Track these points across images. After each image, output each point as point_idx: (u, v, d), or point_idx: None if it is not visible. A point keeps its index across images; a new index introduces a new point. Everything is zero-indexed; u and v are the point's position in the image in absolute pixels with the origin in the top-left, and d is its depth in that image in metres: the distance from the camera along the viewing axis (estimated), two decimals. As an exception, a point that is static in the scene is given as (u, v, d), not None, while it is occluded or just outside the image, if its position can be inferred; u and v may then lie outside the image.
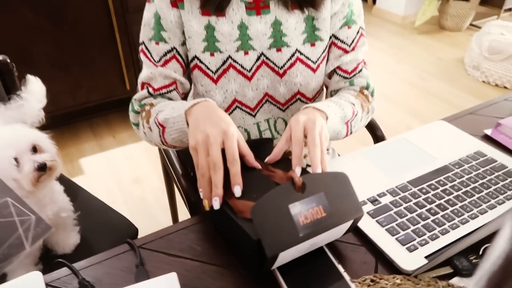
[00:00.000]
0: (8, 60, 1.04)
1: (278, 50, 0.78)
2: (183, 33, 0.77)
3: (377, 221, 0.62)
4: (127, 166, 2.02)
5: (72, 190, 1.10)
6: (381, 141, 0.88)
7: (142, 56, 0.79)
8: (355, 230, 0.61)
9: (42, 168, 0.77)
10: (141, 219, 1.55)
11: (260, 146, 0.67)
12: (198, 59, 0.78)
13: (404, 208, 0.64)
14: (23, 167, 0.75)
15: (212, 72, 0.79)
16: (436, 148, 0.78)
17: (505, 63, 2.63)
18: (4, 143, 0.76)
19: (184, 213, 1.61)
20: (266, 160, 0.64)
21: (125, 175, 1.96)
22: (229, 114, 0.83)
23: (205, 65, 0.78)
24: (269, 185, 0.57)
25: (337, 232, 0.55)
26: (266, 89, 0.82)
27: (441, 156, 0.76)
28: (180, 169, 0.95)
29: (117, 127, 2.27)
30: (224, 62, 0.78)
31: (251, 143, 0.62)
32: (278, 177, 0.59)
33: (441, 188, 0.68)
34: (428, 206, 0.64)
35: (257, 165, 0.60)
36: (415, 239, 0.59)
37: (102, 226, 1.06)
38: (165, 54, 0.77)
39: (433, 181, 0.69)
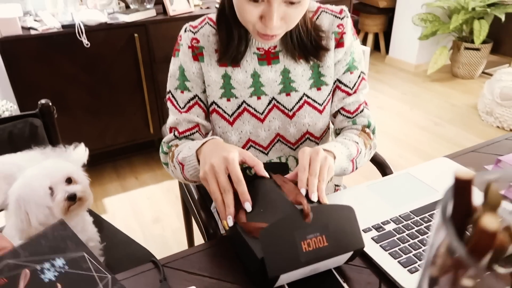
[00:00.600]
0: (50, 103, 1.16)
1: (288, 94, 0.88)
2: (204, 82, 0.88)
3: (381, 245, 0.67)
4: (148, 206, 2.09)
5: (99, 222, 1.18)
6: None
7: (169, 104, 0.92)
8: (360, 253, 0.66)
9: (72, 198, 0.85)
10: (160, 256, 1.59)
11: (276, 169, 0.74)
12: (216, 104, 0.89)
13: (407, 234, 0.69)
14: (56, 196, 0.84)
15: (228, 115, 0.89)
16: (438, 182, 0.83)
17: (518, 108, 2.67)
18: (43, 173, 0.85)
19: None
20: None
21: (146, 215, 2.03)
22: None
23: (222, 109, 0.89)
24: (279, 200, 0.63)
25: (338, 260, 0.60)
26: (278, 130, 0.91)
27: (443, 188, 0.81)
28: (199, 203, 1.02)
29: (139, 168, 2.38)
30: (239, 107, 0.88)
31: (268, 165, 0.70)
32: (288, 188, 0.65)
33: (442, 217, 0.72)
34: (429, 233, 0.69)
35: (266, 174, 0.68)
36: (416, 262, 0.63)
37: (125, 258, 1.12)
38: (189, 101, 0.89)
39: (434, 211, 0.74)
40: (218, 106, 0.89)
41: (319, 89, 0.90)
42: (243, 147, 0.92)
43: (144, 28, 2.08)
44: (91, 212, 1.19)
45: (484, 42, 3.36)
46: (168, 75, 0.91)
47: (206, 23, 0.87)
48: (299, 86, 0.88)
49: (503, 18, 3.22)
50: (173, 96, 0.90)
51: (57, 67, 1.96)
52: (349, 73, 0.91)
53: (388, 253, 0.65)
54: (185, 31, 0.88)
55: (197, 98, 0.89)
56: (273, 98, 0.89)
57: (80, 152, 1.05)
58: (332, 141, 0.86)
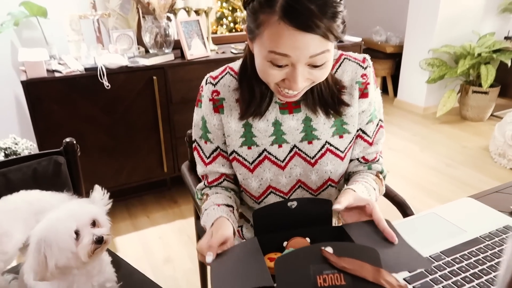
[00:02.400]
0: (74, 142, 1.19)
1: (309, 142, 0.89)
2: (224, 134, 0.91)
3: (414, 287, 0.65)
4: (160, 245, 2.07)
5: (116, 261, 1.17)
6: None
7: (195, 154, 0.96)
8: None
9: (100, 241, 0.84)
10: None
11: (318, 205, 0.75)
12: (236, 153, 0.91)
13: (440, 276, 0.68)
14: (82, 239, 0.82)
15: (249, 163, 0.91)
16: (465, 222, 0.83)
17: (531, 151, 2.67)
18: (69, 214, 0.85)
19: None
20: (334, 207, 0.74)
21: (157, 255, 2.00)
22: (264, 198, 0.94)
23: (243, 157, 0.91)
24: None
25: None
26: (299, 176, 0.92)
27: (471, 229, 0.80)
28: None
29: (151, 208, 2.37)
30: (260, 154, 0.90)
31: (310, 200, 0.72)
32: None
33: (474, 259, 0.71)
34: (463, 275, 0.68)
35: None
36: (453, 304, 0.62)
37: (142, 298, 1.09)
38: (213, 152, 0.93)
39: (465, 252, 0.73)
40: (238, 155, 0.91)
41: (341, 136, 0.91)
42: (263, 194, 0.94)
43: (162, 71, 2.16)
44: (109, 252, 1.18)
45: (491, 86, 3.42)
46: (193, 123, 0.95)
47: (227, 73, 0.89)
48: (321, 134, 0.89)
49: (509, 63, 3.30)
50: (199, 145, 0.94)
51: (78, 108, 2.02)
52: (371, 124, 0.93)
53: (421, 294, 0.64)
54: (206, 83, 0.90)
55: (219, 149, 0.92)
56: (295, 145, 0.90)
57: (100, 195, 1.05)
58: (357, 184, 0.87)
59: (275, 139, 0.89)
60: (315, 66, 0.73)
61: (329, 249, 0.58)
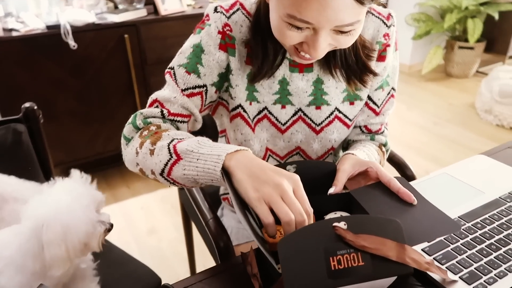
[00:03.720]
0: (35, 107, 1.04)
1: (318, 108, 0.78)
2: (219, 75, 0.74)
3: (435, 258, 0.57)
4: (142, 216, 1.97)
5: (93, 238, 1.06)
6: (412, 181, 0.86)
7: (168, 77, 0.75)
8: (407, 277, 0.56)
9: (109, 230, 0.76)
10: (158, 270, 1.49)
11: (321, 169, 0.67)
12: (242, 107, 0.77)
13: (462, 244, 0.59)
14: (95, 229, 0.72)
15: (251, 120, 0.78)
16: (481, 182, 0.74)
17: (518, 106, 2.63)
18: (89, 200, 0.73)
19: (201, 264, 1.54)
20: (330, 192, 0.64)
21: (141, 226, 1.91)
22: None
23: (247, 113, 0.77)
24: None
25: (376, 285, 0.49)
26: (299, 143, 0.81)
27: (488, 189, 0.72)
28: (210, 212, 0.91)
29: (131, 177, 2.25)
30: (259, 112, 0.77)
31: (312, 163, 0.62)
32: None
33: (497, 223, 0.63)
34: (488, 242, 0.59)
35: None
36: (481, 277, 0.53)
37: (123, 277, 1.00)
38: (194, 88, 0.73)
39: (486, 215, 0.65)
40: (244, 110, 0.77)
41: (352, 103, 0.80)
42: (264, 157, 0.82)
43: (134, 28, 1.97)
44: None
45: (477, 41, 3.33)
46: (178, 51, 0.76)
47: (238, 9, 0.73)
48: (331, 100, 0.78)
49: (496, 16, 3.20)
50: (174, 73, 0.74)
51: (43, 71, 1.83)
52: (381, 90, 0.82)
53: (446, 267, 0.55)
54: (216, 11, 0.73)
55: (204, 88, 0.73)
56: (300, 109, 0.78)
57: (79, 175, 0.92)
58: (360, 150, 0.77)
59: (278, 98, 0.76)
60: (342, 32, 0.60)
61: (342, 225, 0.48)
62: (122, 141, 0.72)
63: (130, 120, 0.72)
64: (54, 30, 1.79)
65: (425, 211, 0.56)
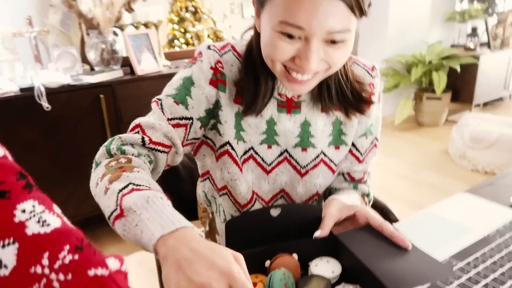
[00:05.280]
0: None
1: (304, 150, 0.77)
2: (206, 111, 0.72)
3: (431, 302, 0.53)
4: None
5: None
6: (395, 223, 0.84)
7: (154, 106, 0.70)
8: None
9: None
10: None
11: (306, 213, 0.63)
12: (230, 145, 0.74)
13: (458, 285, 0.56)
14: None
15: (239, 159, 0.75)
16: (468, 220, 0.73)
17: (490, 150, 2.71)
18: None
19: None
20: (315, 235, 0.61)
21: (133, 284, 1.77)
22: (251, 207, 0.79)
23: (235, 152, 0.75)
24: None
25: None
26: (283, 186, 0.79)
27: (476, 227, 0.70)
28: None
29: (105, 241, 2.13)
30: (245, 152, 0.76)
31: (296, 207, 0.59)
32: None
33: (490, 261, 0.61)
34: (483, 282, 0.56)
35: None
36: (482, 320, 0.50)
37: None
38: (181, 119, 0.69)
39: (477, 254, 0.62)
40: (232, 148, 0.74)
41: (337, 147, 0.79)
42: (250, 200, 0.78)
43: (110, 88, 1.97)
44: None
45: (444, 91, 3.51)
46: (167, 84, 0.73)
47: (229, 50, 0.73)
48: (318, 143, 0.77)
49: (458, 68, 3.41)
50: (161, 103, 0.70)
51: (15, 133, 1.78)
52: (364, 138, 0.82)
53: (444, 312, 0.51)
54: (209, 48, 0.72)
55: (190, 122, 0.70)
56: (286, 150, 0.77)
57: None
58: (343, 196, 0.76)
59: (265, 139, 0.75)
60: (333, 42, 0.59)
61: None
62: (93, 164, 0.67)
63: (106, 142, 0.67)
64: (27, 93, 1.77)
65: (417, 256, 0.54)
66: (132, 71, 2.13)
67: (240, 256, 0.47)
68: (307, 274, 0.58)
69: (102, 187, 0.57)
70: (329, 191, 0.86)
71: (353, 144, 0.82)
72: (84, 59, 2.13)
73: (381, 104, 0.82)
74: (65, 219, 0.39)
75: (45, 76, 1.85)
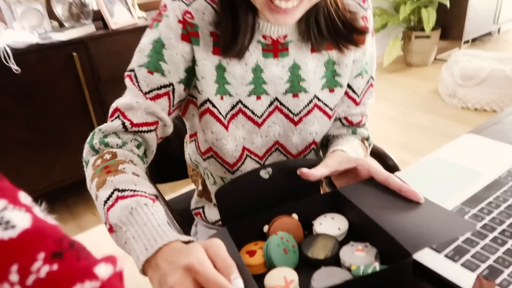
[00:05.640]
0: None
1: (295, 95, 0.70)
2: (186, 70, 0.66)
3: (446, 255, 0.49)
4: (112, 243, 1.82)
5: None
6: (396, 171, 0.80)
7: (128, 81, 0.65)
8: (424, 275, 0.48)
9: None
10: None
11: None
12: (211, 102, 0.67)
13: (472, 235, 0.52)
14: None
15: (223, 116, 0.69)
16: (476, 163, 0.68)
17: (480, 87, 2.67)
18: None
19: None
20: (300, 171, 0.56)
21: (111, 253, 1.76)
22: (241, 165, 0.73)
23: (218, 110, 0.68)
24: None
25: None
26: (277, 137, 0.73)
27: (486, 170, 0.66)
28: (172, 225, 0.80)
29: (94, 207, 2.09)
30: (233, 107, 0.69)
31: (289, 163, 0.56)
32: None
33: (504, 205, 0.57)
34: (499, 228, 0.53)
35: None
36: (503, 271, 0.46)
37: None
38: (159, 88, 0.64)
39: (490, 199, 0.58)
40: (213, 105, 0.68)
41: (332, 90, 0.73)
42: (240, 159, 0.72)
43: (83, 45, 1.83)
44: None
45: (433, 29, 3.40)
46: (136, 50, 0.66)
47: None
48: (310, 86, 0.70)
49: (448, 4, 3.27)
50: (135, 75, 0.65)
51: (-17, 100, 1.66)
52: (360, 77, 0.76)
53: (461, 265, 0.48)
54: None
55: (171, 87, 0.65)
56: (276, 98, 0.70)
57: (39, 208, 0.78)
58: (346, 145, 0.71)
59: (253, 89, 0.68)
60: None
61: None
62: (83, 163, 0.65)
63: (88, 139, 0.64)
64: (-8, 55, 1.63)
65: (431, 210, 0.48)
66: (105, 25, 1.98)
67: (212, 243, 0.44)
68: (311, 234, 0.54)
69: (93, 192, 0.56)
70: (326, 139, 0.81)
71: (349, 86, 0.76)
72: (52, 15, 1.97)
73: (374, 40, 0.76)
74: (36, 210, 0.28)
75: (10, 36, 1.70)
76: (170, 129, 0.70)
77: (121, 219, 0.49)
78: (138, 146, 0.64)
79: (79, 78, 1.85)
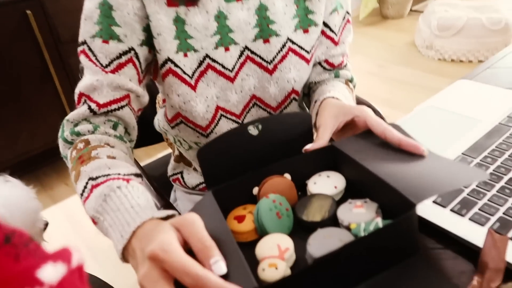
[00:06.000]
0: None
1: (266, 41, 0.62)
2: (144, 29, 0.58)
3: (452, 210, 0.45)
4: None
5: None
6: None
7: (83, 58, 0.58)
8: (430, 230, 0.44)
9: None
10: (115, 271, 1.31)
11: (292, 123, 0.51)
12: (172, 62, 0.59)
13: (478, 186, 0.48)
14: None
15: (189, 76, 0.61)
16: (474, 109, 0.64)
17: (457, 38, 2.64)
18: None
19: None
20: (306, 148, 0.50)
21: (87, 226, 1.69)
22: (215, 126, 0.66)
23: (181, 69, 0.60)
24: None
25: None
26: (253, 91, 0.66)
27: (484, 116, 0.62)
28: (158, 202, 0.74)
29: (68, 172, 1.99)
30: (200, 63, 0.61)
31: (280, 117, 0.49)
32: None
33: (508, 152, 0.53)
34: (506, 177, 0.49)
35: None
36: (515, 223, 0.42)
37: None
38: (119, 57, 0.57)
39: (493, 146, 0.54)
40: (176, 65, 0.59)
41: (306, 31, 0.65)
42: (213, 119, 0.65)
43: (38, 2, 1.66)
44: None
45: (409, -22, 3.31)
46: (82, 17, 0.58)
47: None
48: (281, 29, 0.63)
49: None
50: (89, 49, 0.57)
51: None
52: (336, 13, 0.68)
53: (469, 219, 0.44)
54: None
55: (132, 53, 0.57)
56: (246, 47, 0.62)
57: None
58: (336, 90, 0.65)
59: (219, 40, 0.60)
60: None
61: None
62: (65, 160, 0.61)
63: (59, 132, 0.59)
64: None
65: (437, 163, 0.43)
66: (61, -21, 1.79)
67: (186, 220, 0.37)
68: (305, 195, 0.49)
69: (73, 179, 0.52)
70: (308, 87, 0.75)
71: (325, 24, 0.69)
72: (-2, -32, 1.76)
73: None
74: None
75: (-49, -8, 1.51)
76: (145, 98, 0.62)
77: (96, 210, 0.45)
78: (114, 127, 0.59)
79: (36, 39, 1.69)
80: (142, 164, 0.97)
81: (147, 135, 1.05)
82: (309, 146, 0.51)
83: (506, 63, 0.79)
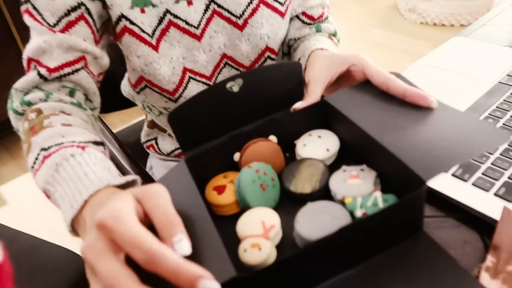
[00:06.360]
0: None
1: None
2: None
3: (454, 175, 0.41)
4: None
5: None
6: None
7: (27, 18, 0.50)
8: (430, 196, 0.41)
9: None
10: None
11: (279, 76, 0.45)
12: (127, 18, 0.52)
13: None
14: None
15: (149, 35, 0.53)
16: (471, 68, 0.60)
17: (440, 0, 2.59)
18: None
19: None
20: (294, 107, 0.45)
21: (47, 204, 1.62)
22: (184, 90, 0.59)
23: (139, 27, 0.52)
24: None
25: None
26: (223, 49, 0.59)
27: (483, 75, 0.58)
28: (133, 171, 0.69)
29: (19, 149, 1.89)
30: (161, 20, 0.53)
31: (265, 69, 0.43)
32: None
33: (511, 113, 0.49)
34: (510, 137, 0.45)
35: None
36: (522, 189, 0.39)
37: (35, 268, 0.77)
38: (68, 13, 0.49)
39: (494, 106, 0.50)
40: (131, 22, 0.52)
41: None
42: (181, 82, 0.58)
43: (-8, -47, 1.51)
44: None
45: None
46: None
47: None
48: None
49: None
50: (33, 7, 0.49)
51: None
52: None
53: (472, 184, 0.40)
54: None
55: (83, 8, 0.50)
56: (212, 0, 0.55)
57: None
58: (324, 42, 0.59)
59: None
60: None
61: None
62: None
63: (8, 104, 0.52)
64: None
65: (449, 118, 0.37)
66: None
67: (150, 191, 0.31)
68: (294, 157, 0.43)
69: (25, 151, 0.47)
70: (287, 46, 0.68)
71: None
72: None
73: None
74: None
75: None
76: (105, 60, 0.55)
77: (47, 181, 0.40)
78: (71, 93, 0.52)
79: (-6, -5, 1.55)
80: (116, 131, 0.91)
81: (118, 98, 0.98)
82: (298, 105, 0.45)
83: (502, 19, 0.75)
